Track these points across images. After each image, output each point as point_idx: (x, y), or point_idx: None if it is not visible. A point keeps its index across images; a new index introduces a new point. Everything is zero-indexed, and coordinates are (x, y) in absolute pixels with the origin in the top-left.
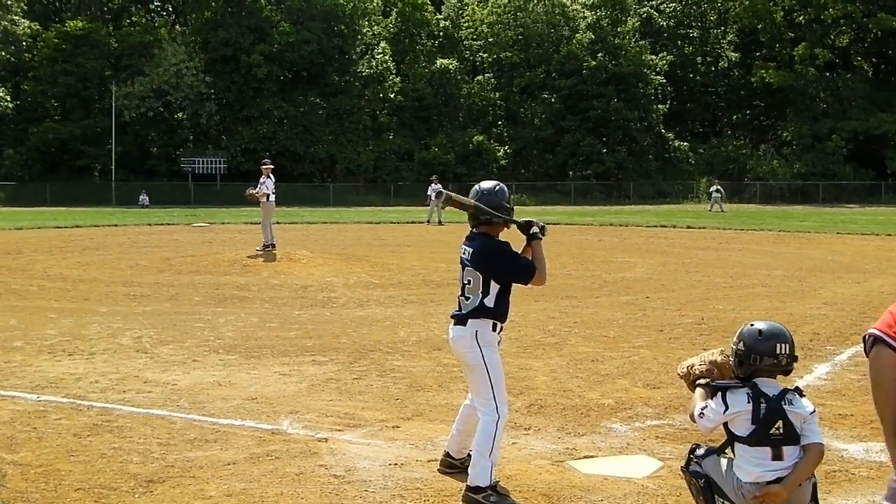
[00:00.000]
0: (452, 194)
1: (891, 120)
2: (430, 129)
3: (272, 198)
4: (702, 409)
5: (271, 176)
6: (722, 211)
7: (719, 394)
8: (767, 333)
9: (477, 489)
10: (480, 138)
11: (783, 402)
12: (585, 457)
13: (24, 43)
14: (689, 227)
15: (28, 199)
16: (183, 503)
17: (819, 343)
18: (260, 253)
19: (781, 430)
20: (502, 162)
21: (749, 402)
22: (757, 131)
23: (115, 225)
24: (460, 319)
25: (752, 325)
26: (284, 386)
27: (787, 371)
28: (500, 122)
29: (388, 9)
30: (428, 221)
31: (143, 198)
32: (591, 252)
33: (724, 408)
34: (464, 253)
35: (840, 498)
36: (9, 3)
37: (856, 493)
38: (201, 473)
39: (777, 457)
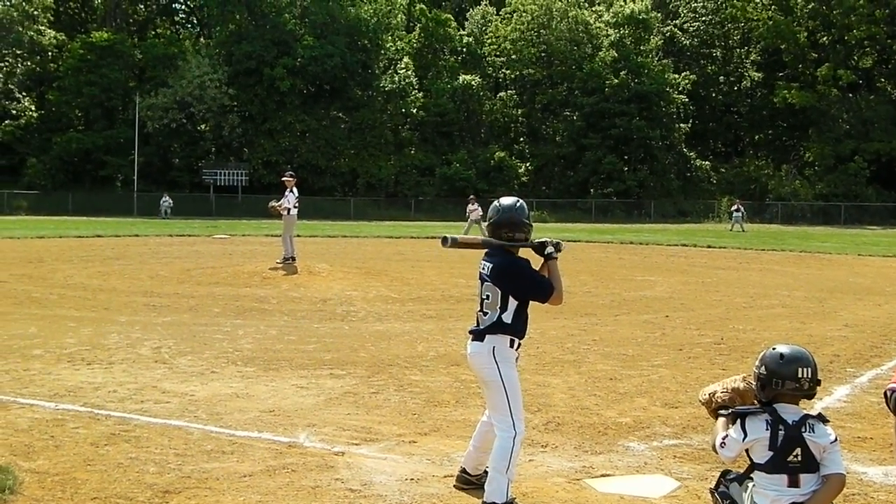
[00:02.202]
0: (458, 237)
1: None
2: (451, 145)
3: (293, 211)
4: (723, 439)
5: (294, 189)
6: (743, 231)
7: (738, 421)
8: (789, 357)
9: None
10: (502, 154)
11: (803, 429)
12: (602, 475)
13: (50, 53)
14: (709, 247)
15: (50, 208)
16: None
17: (839, 365)
18: (280, 265)
19: (800, 458)
20: (523, 178)
21: (767, 429)
22: (779, 151)
23: (136, 235)
24: (478, 335)
25: (774, 348)
26: (302, 399)
27: (809, 395)
28: (521, 139)
29: (411, 24)
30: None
31: (166, 200)
32: (611, 270)
33: (743, 435)
34: (483, 268)
35: None
36: (35, 13)
37: None
38: (217, 485)
39: (794, 483)
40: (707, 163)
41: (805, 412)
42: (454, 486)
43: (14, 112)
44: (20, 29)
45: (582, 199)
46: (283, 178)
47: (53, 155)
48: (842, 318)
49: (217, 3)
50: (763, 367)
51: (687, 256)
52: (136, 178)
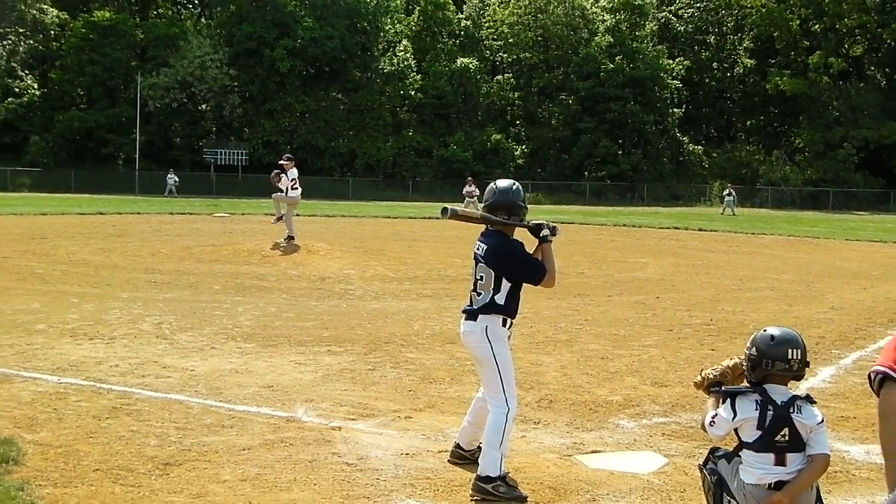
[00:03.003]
0: (458, 209)
1: None
2: (449, 127)
3: (292, 193)
4: (712, 418)
5: (289, 172)
6: (734, 215)
7: (728, 400)
8: (780, 339)
9: (487, 479)
10: (498, 137)
11: (791, 410)
12: (593, 451)
13: (52, 32)
14: (700, 230)
15: (53, 185)
16: (198, 486)
17: (825, 347)
18: (283, 244)
19: (787, 438)
20: (519, 161)
21: (756, 409)
22: (770, 137)
23: (138, 213)
24: (471, 315)
25: (765, 330)
26: (300, 375)
27: (798, 376)
28: (517, 122)
29: (410, 7)
30: None
31: (172, 177)
32: (603, 252)
33: (732, 415)
34: (478, 249)
35: (840, 498)
36: None
37: (856, 494)
38: (217, 458)
39: (780, 462)
40: (699, 147)
41: (794, 393)
42: (448, 460)
43: (17, 90)
44: (23, 7)
45: (576, 182)
46: (280, 162)
47: (56, 133)
48: (828, 300)
49: None
50: (754, 349)
51: (678, 239)
52: (137, 156)
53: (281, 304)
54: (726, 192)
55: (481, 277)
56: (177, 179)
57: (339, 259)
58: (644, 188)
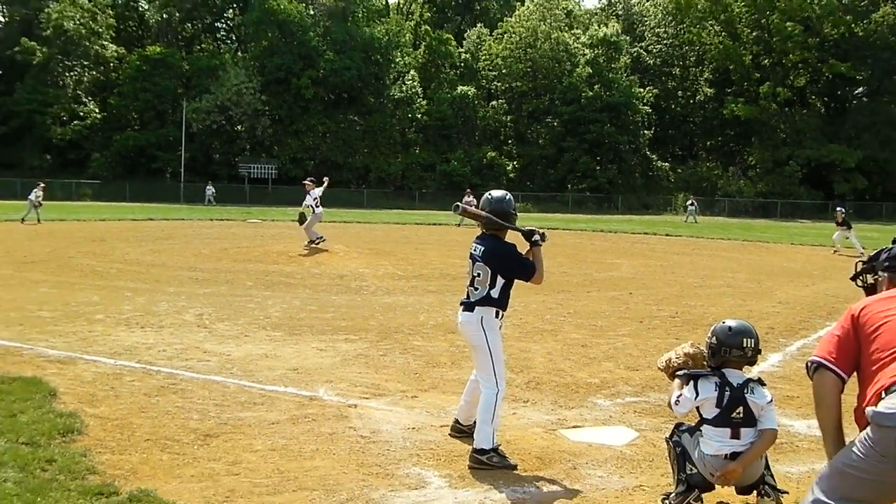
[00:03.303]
0: (467, 207)
1: (838, 150)
2: (450, 145)
3: (316, 210)
4: (677, 398)
5: (311, 192)
6: (696, 222)
7: (692, 382)
8: (736, 330)
9: (481, 451)
10: (493, 154)
11: (746, 391)
12: (574, 427)
13: (112, 64)
14: (667, 235)
15: (111, 195)
16: (234, 455)
17: (773, 336)
18: (308, 248)
19: (741, 415)
20: (511, 175)
21: (716, 390)
22: (727, 156)
23: (183, 219)
24: (468, 306)
25: (724, 322)
26: (321, 359)
27: (752, 362)
28: (510, 141)
29: (417, 42)
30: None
31: (210, 189)
32: (584, 254)
33: (695, 395)
34: (475, 250)
35: (786, 465)
36: (100, 30)
37: (798, 462)
38: (250, 430)
39: (735, 436)
40: (666, 164)
41: (748, 377)
42: (449, 434)
43: (81, 114)
44: (87, 44)
45: (560, 193)
46: (304, 182)
47: (113, 150)
48: (777, 296)
49: (253, 22)
50: (714, 338)
51: (648, 243)
52: (182, 170)
53: (305, 298)
54: (689, 202)
55: (478, 274)
56: (214, 191)
57: (355, 259)
58: (619, 199)
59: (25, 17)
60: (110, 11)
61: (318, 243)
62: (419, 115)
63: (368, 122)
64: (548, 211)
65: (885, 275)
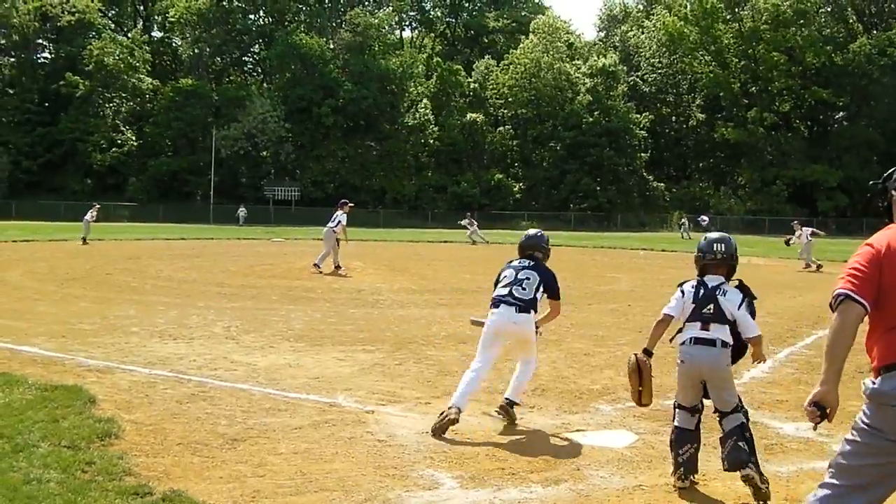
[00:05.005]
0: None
1: (821, 170)
2: (460, 169)
3: (336, 231)
4: (669, 304)
5: (337, 215)
6: (689, 238)
7: (679, 288)
8: (711, 239)
9: (512, 403)
10: (500, 176)
11: (717, 292)
12: (577, 430)
13: (147, 95)
14: (663, 251)
15: (146, 216)
16: (259, 458)
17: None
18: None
19: (711, 311)
20: (517, 196)
21: (693, 289)
22: (718, 176)
23: (212, 238)
24: (525, 308)
25: (706, 237)
26: (341, 369)
27: (725, 264)
28: (516, 164)
29: (429, 73)
30: (474, 242)
31: (242, 210)
32: (585, 269)
33: (681, 294)
34: (521, 262)
35: (776, 466)
36: (137, 64)
37: (788, 462)
38: (274, 435)
39: (704, 329)
40: (662, 184)
41: (722, 280)
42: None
43: (119, 142)
44: (125, 77)
45: (563, 213)
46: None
47: (148, 175)
48: (765, 306)
49: (277, 56)
50: (698, 250)
51: (646, 259)
52: (212, 193)
53: (325, 311)
54: (683, 220)
55: (528, 278)
56: (246, 212)
57: (372, 275)
58: (618, 217)
59: (70, 53)
60: (147, 47)
61: (319, 266)
62: (431, 141)
63: (384, 148)
64: (551, 229)
65: None
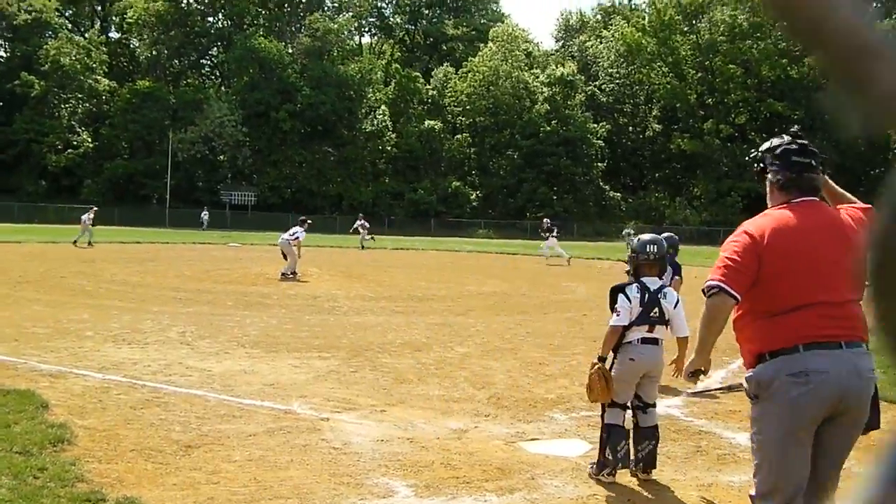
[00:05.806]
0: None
1: None
2: (417, 175)
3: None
4: (615, 315)
5: (297, 228)
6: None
7: (620, 294)
8: (644, 240)
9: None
10: (457, 184)
11: (659, 295)
12: (532, 439)
13: (104, 97)
14: (619, 260)
15: (101, 220)
16: (214, 465)
17: (717, 355)
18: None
19: (657, 314)
20: (474, 203)
21: (639, 293)
22: (674, 186)
23: (167, 242)
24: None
25: (640, 238)
26: (296, 375)
27: (657, 264)
28: (473, 172)
29: (388, 80)
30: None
31: (205, 213)
32: (542, 278)
33: (628, 301)
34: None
35: (728, 476)
36: (93, 65)
37: (741, 472)
38: (229, 442)
39: (651, 331)
40: (618, 194)
41: (662, 283)
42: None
43: (75, 143)
44: (82, 78)
45: (520, 221)
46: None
47: (104, 178)
48: None
49: (235, 60)
50: (631, 251)
51: (601, 268)
52: (168, 197)
53: (281, 317)
54: (626, 230)
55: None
56: (208, 216)
57: (328, 281)
58: (574, 226)
59: (26, 52)
60: (104, 48)
61: (296, 274)
62: (389, 147)
63: (342, 154)
64: (508, 237)
65: (777, 178)
